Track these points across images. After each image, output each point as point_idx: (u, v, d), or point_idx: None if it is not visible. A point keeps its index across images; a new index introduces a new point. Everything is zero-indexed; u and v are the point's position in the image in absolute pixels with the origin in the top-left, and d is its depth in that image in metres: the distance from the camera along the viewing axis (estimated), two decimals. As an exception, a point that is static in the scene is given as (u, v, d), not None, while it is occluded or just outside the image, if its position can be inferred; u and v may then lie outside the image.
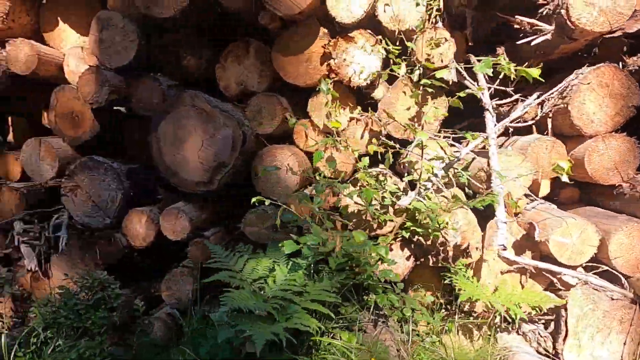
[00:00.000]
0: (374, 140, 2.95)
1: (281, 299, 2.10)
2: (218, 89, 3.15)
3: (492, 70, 2.35)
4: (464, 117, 3.18)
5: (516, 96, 3.07)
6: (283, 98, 3.10)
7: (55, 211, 3.07)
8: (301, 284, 2.11)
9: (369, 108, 3.02)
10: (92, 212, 2.90)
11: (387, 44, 2.85)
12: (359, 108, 3.00)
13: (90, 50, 2.87)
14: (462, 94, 2.75)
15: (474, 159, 2.85)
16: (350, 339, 2.12)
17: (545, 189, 3.02)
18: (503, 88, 2.94)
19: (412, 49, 2.83)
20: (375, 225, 2.69)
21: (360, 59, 2.84)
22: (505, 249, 2.37)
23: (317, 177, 2.71)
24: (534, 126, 2.99)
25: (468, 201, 2.35)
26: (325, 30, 2.95)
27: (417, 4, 2.74)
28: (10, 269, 3.23)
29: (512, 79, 2.79)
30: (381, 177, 2.67)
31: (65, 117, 3.00)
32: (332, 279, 2.19)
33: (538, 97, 2.93)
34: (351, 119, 3.00)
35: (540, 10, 2.85)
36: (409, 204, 2.43)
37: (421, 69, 2.64)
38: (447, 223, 2.39)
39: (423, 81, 2.64)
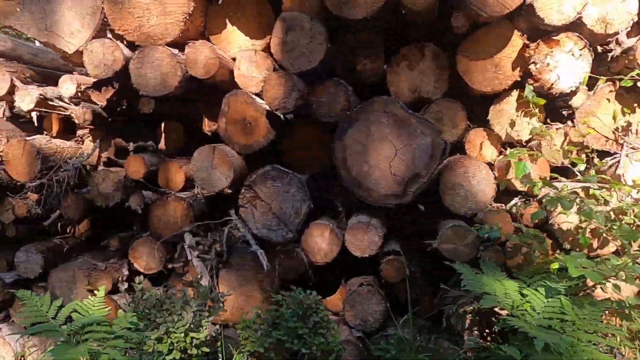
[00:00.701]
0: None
1: (548, 328, 1.88)
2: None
3: None
4: None
5: None
6: (461, 105, 2.92)
7: (222, 223, 2.88)
8: (570, 312, 1.89)
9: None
10: (273, 225, 2.71)
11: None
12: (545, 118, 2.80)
13: (274, 54, 2.70)
14: None
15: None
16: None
17: None
18: None
19: (619, 52, 2.63)
20: (595, 245, 2.47)
21: (567, 64, 2.63)
22: None
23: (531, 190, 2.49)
24: None
25: None
26: (519, 33, 2.75)
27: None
28: (167, 285, 3.06)
29: None
30: (605, 193, 2.45)
31: (237, 123, 2.82)
32: (595, 305, 1.96)
33: None
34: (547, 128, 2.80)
35: None
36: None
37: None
38: None
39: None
